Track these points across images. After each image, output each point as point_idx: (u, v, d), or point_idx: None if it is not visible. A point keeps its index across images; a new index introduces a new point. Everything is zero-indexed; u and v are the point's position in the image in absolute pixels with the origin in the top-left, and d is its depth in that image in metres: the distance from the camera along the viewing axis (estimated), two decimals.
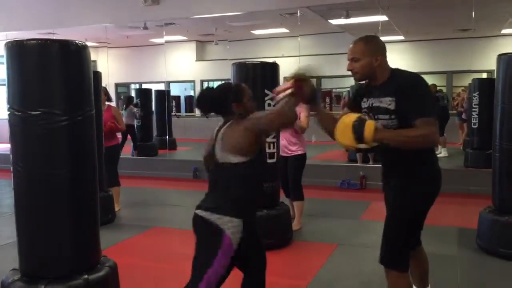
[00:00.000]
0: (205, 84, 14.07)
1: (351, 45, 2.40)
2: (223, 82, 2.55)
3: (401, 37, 10.44)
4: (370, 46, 2.35)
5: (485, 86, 7.46)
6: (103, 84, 5.60)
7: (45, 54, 2.52)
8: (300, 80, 2.27)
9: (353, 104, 2.56)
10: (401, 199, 2.42)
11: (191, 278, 2.20)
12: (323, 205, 6.01)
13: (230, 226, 2.12)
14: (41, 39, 2.55)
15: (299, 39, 9.57)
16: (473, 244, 4.21)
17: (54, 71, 2.53)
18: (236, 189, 2.19)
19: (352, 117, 2.17)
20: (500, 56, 4.08)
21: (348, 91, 11.64)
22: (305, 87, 2.27)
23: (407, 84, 2.28)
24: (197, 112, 13.77)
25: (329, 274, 3.65)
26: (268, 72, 4.41)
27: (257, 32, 11.79)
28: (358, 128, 2.13)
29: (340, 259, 4.01)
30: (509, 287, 3.40)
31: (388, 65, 2.39)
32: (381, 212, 6.10)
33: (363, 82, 2.50)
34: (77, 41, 2.63)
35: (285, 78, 4.69)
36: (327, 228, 4.97)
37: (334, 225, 5.07)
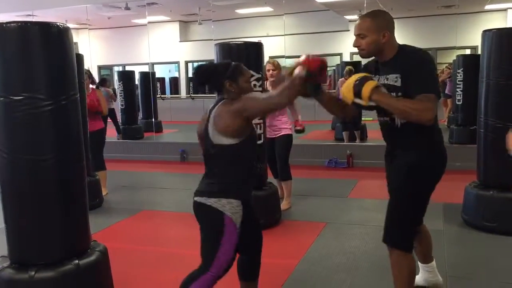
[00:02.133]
0: (190, 65, 13.95)
1: (358, 21, 2.33)
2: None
3: None
4: (377, 22, 2.27)
5: (469, 63, 7.51)
6: (86, 67, 5.51)
7: (26, 37, 2.44)
8: (318, 61, 2.21)
9: None
10: (404, 178, 2.38)
11: (202, 262, 2.24)
12: (311, 184, 6.05)
13: (229, 207, 2.16)
14: (21, 22, 2.47)
15: (284, 17, 9.49)
16: (459, 218, 4.29)
17: (36, 55, 2.46)
18: (231, 171, 2.21)
19: (359, 75, 2.22)
20: (485, 32, 4.10)
21: (334, 70, 11.62)
22: (323, 69, 2.23)
23: (413, 61, 2.24)
24: (182, 93, 13.69)
25: (319, 252, 3.70)
26: (252, 53, 4.34)
27: (241, 11, 11.65)
28: (358, 84, 2.18)
29: (329, 237, 4.05)
30: (494, 259, 3.48)
31: (395, 41, 2.33)
32: (369, 190, 6.18)
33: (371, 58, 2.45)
34: (58, 23, 2.56)
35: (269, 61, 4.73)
36: (316, 207, 5.02)
37: (322, 204, 5.11)
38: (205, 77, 2.27)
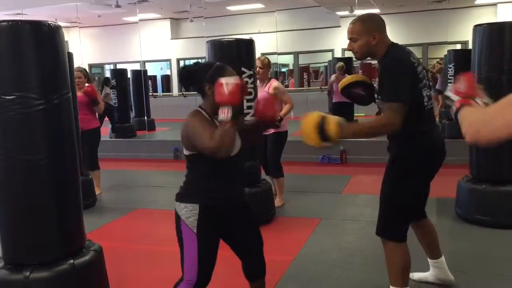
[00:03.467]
0: (182, 63, 13.91)
1: (349, 25, 2.43)
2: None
3: (377, 10, 10.44)
4: (366, 25, 2.37)
5: (460, 57, 7.56)
6: (81, 65, 5.46)
7: (17, 36, 2.42)
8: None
9: None
10: (395, 171, 2.44)
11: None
12: (304, 180, 6.07)
13: (184, 212, 2.11)
14: (12, 21, 2.44)
15: (275, 14, 9.49)
16: (452, 212, 4.32)
17: (27, 54, 2.44)
18: (190, 178, 2.18)
19: (314, 117, 2.16)
20: (476, 27, 4.12)
21: (326, 66, 11.65)
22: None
23: (383, 66, 2.33)
24: (174, 91, 13.65)
25: (314, 248, 3.71)
26: (243, 50, 4.33)
27: (232, 8, 11.64)
28: (321, 128, 2.13)
29: (324, 233, 4.07)
30: (487, 252, 3.51)
31: (387, 41, 2.40)
32: (362, 186, 6.19)
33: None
34: (49, 22, 2.54)
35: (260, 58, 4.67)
36: (310, 203, 5.03)
37: (316, 200, 5.13)
38: (187, 79, 2.18)
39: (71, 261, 2.58)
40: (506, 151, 4.00)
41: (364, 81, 2.68)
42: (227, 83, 1.94)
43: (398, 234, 2.44)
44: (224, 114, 1.94)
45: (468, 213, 4.10)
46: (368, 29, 2.36)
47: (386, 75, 2.29)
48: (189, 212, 2.10)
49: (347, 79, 2.74)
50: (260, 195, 4.32)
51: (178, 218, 2.14)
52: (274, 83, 4.74)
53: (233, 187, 2.23)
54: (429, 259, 2.88)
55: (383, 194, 2.48)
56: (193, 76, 2.14)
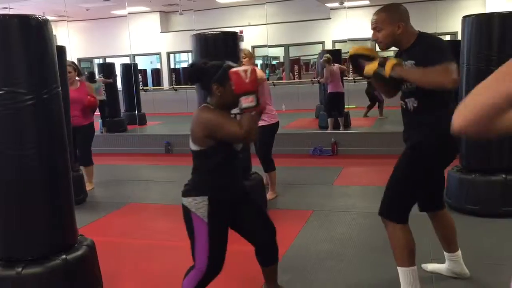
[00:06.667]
0: (172, 56, 13.84)
1: (373, 16, 2.45)
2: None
3: (367, 2, 10.45)
4: (391, 14, 2.40)
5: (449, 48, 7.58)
6: (69, 59, 5.39)
7: (4, 30, 2.40)
8: None
9: None
10: (407, 156, 2.48)
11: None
12: (296, 173, 6.09)
13: (194, 204, 2.21)
14: None
15: (265, 6, 9.45)
16: None
17: (15, 48, 2.42)
18: (198, 173, 2.26)
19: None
20: (465, 17, 4.14)
21: (317, 58, 11.64)
22: None
23: (426, 45, 2.35)
24: (165, 85, 13.59)
25: (306, 240, 3.74)
26: (229, 43, 4.32)
27: (222, 1, 11.58)
28: (383, 59, 2.39)
29: (316, 225, 4.09)
30: (477, 241, 3.56)
31: (413, 30, 2.43)
32: (353, 177, 6.22)
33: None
34: (37, 16, 2.52)
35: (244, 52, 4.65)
36: (302, 195, 5.05)
37: (308, 192, 5.15)
38: (196, 77, 2.26)
39: (64, 256, 2.58)
40: (494, 140, 4.04)
41: (375, 57, 2.60)
42: (245, 70, 2.01)
43: (401, 217, 2.46)
44: (248, 101, 2.00)
45: (458, 203, 4.14)
46: (393, 19, 2.38)
47: (433, 48, 2.32)
48: (199, 204, 2.19)
49: (363, 49, 2.62)
50: (251, 188, 4.31)
51: (187, 211, 2.22)
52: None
53: (237, 179, 2.33)
54: (445, 252, 2.86)
55: (393, 176, 2.50)
56: (202, 75, 2.22)
